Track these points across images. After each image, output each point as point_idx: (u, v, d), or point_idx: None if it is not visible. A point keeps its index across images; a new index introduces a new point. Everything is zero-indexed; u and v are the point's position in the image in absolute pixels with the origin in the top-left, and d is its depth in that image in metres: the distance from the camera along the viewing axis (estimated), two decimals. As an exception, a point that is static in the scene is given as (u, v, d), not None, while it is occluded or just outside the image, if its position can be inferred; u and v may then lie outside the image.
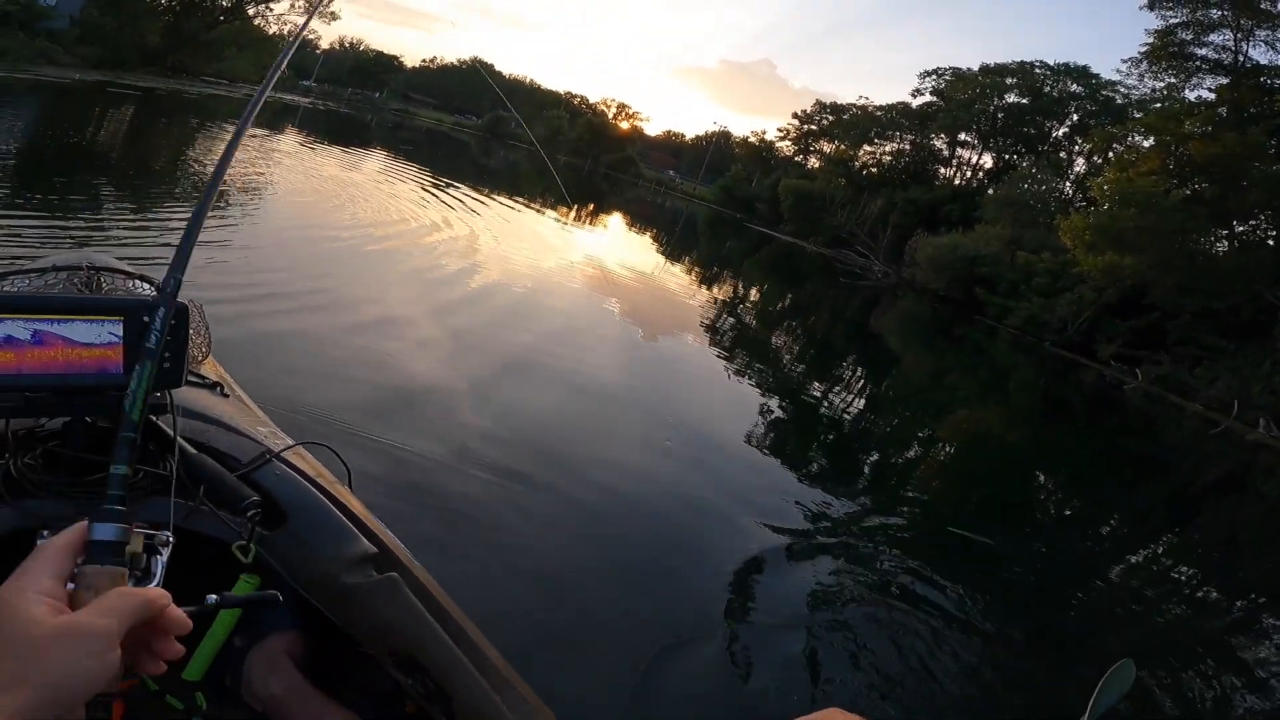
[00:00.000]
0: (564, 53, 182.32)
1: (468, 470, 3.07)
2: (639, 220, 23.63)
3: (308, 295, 4.82)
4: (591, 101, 74.80)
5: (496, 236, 9.87)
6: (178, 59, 34.94)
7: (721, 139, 63.20)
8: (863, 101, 42.64)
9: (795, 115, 47.59)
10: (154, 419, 1.06)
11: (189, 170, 9.85)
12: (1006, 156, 36.57)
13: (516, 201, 16.16)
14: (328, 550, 1.04)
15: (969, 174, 38.27)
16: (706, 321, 8.87)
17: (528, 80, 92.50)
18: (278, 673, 1.03)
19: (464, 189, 15.66)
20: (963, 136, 37.80)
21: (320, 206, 8.78)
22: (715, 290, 12.41)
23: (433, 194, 13.42)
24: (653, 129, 77.75)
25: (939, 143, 38.88)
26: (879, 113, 40.73)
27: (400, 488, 2.75)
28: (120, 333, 0.92)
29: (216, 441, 1.16)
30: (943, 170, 39.00)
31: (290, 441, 1.25)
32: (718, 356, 7.21)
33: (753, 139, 51.91)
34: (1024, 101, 35.69)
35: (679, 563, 2.89)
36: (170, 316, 0.90)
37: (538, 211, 15.59)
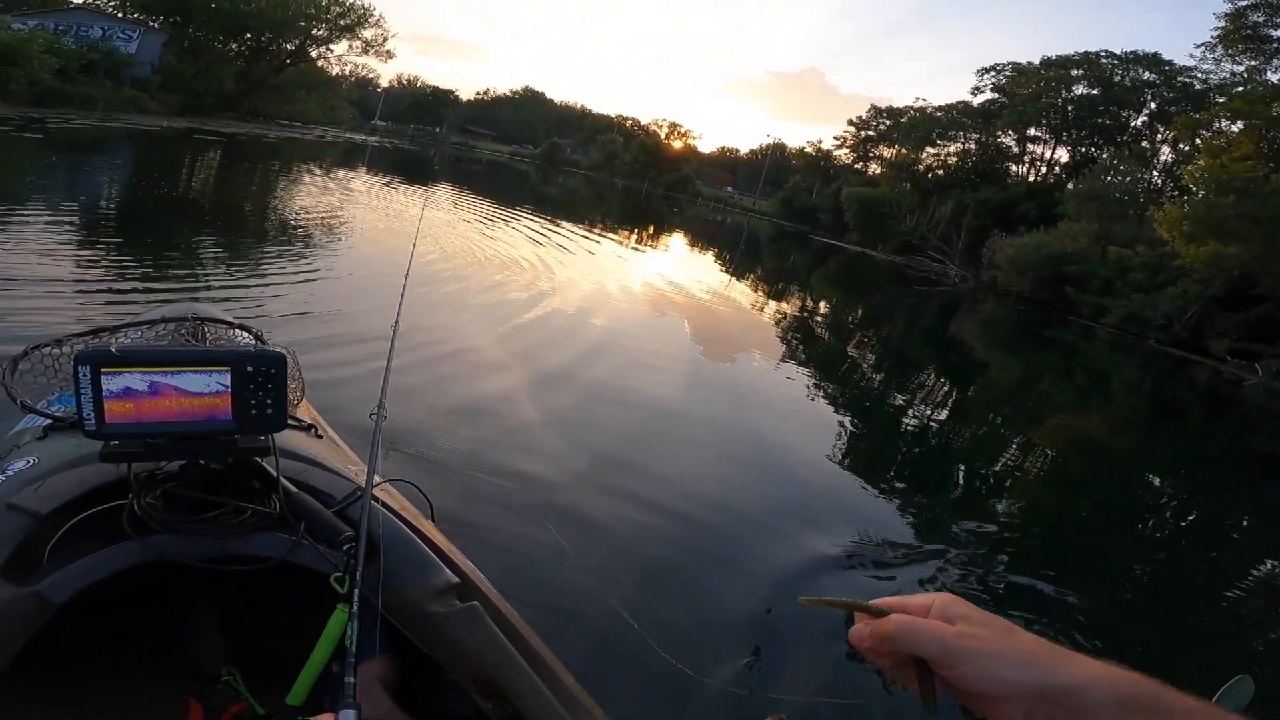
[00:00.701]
0: (610, 73, 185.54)
1: (542, 499, 3.14)
2: (700, 239, 23.68)
3: (381, 333, 5.04)
4: (643, 123, 75.86)
5: (559, 263, 10.09)
6: (253, 103, 37.47)
7: (776, 151, 62.95)
8: (920, 103, 41.75)
9: (851, 122, 47.01)
10: (259, 460, 1.15)
11: (277, 216, 10.56)
12: (1083, 150, 35.10)
13: (577, 227, 16.52)
14: (414, 581, 1.10)
15: (1043, 170, 36.85)
16: (776, 337, 8.83)
17: (579, 106, 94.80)
18: (370, 698, 1.07)
19: (525, 217, 16.14)
20: (1032, 132, 36.49)
21: (389, 243, 9.21)
22: (783, 305, 12.30)
23: (496, 224, 13.89)
24: (706, 146, 78.39)
25: (1007, 140, 37.63)
26: (939, 113, 39.81)
27: (478, 519, 2.82)
28: (227, 382, 1.01)
29: (314, 480, 1.24)
30: (1014, 168, 37.66)
31: (380, 479, 1.31)
32: (790, 372, 7.14)
33: (809, 149, 51.51)
34: (1094, 93, 34.27)
35: (759, 589, 2.85)
36: (270, 366, 1.01)
37: (598, 236, 15.87)
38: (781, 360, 7.59)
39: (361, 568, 1.03)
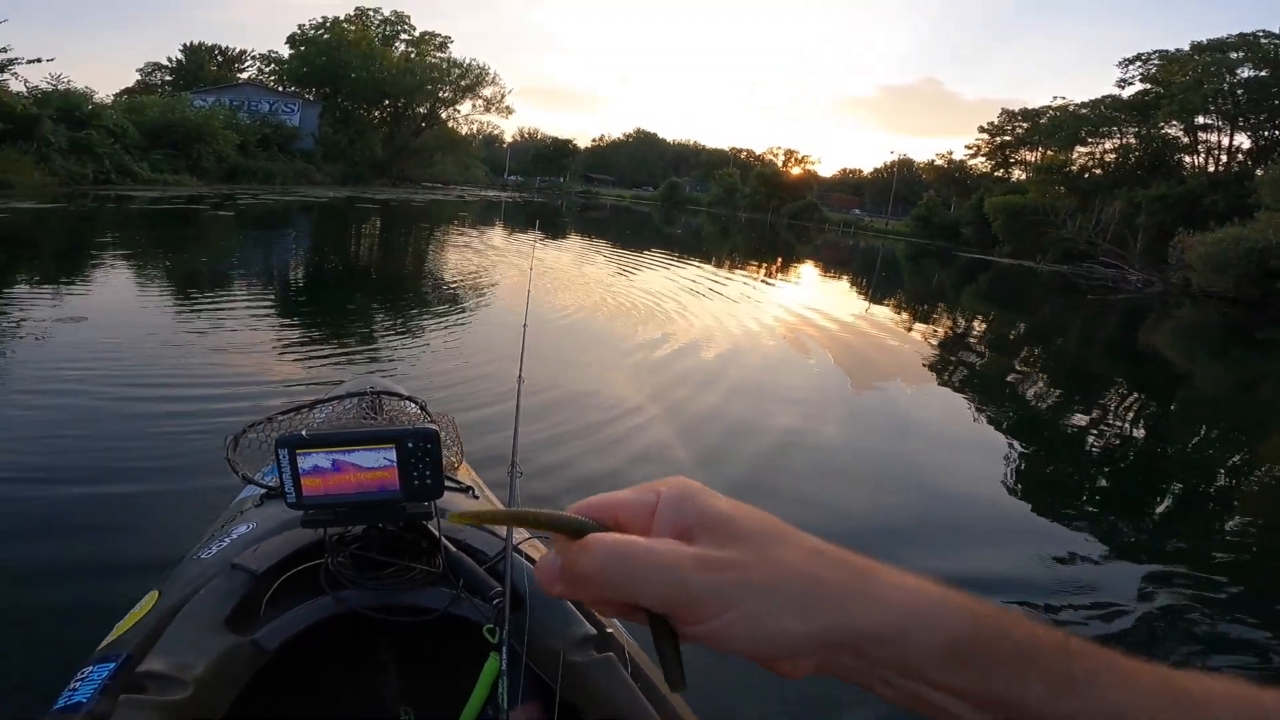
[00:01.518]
0: (719, 106, 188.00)
1: None
2: (832, 265, 23.17)
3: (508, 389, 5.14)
4: (758, 153, 76.10)
5: (689, 302, 10.12)
6: (399, 167, 41.47)
7: (903, 167, 60.96)
8: (1058, 101, 39.05)
9: (982, 129, 44.68)
10: (425, 524, 1.31)
11: (431, 277, 11.48)
12: (1265, 134, 31.38)
13: (705, 265, 16.71)
14: (556, 631, 1.20)
15: (1223, 159, 33.13)
16: (928, 362, 8.27)
17: (692, 143, 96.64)
18: None
19: (653, 259, 16.57)
20: (1201, 120, 33.05)
21: (523, 296, 9.59)
22: (932, 327, 11.65)
23: (626, 268, 14.31)
24: (826, 170, 76.92)
25: (1173, 130, 34.26)
26: (1083, 110, 37.04)
27: None
28: (394, 457, 1.18)
29: (470, 539, 1.38)
30: (1187, 159, 34.18)
31: (526, 535, 1.43)
32: (946, 397, 6.74)
33: (939, 161, 49.45)
34: (1262, 74, 30.64)
35: None
36: (427, 441, 1.18)
37: (727, 273, 15.91)
38: (936, 385, 7.16)
39: (508, 620, 1.16)
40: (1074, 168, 35.59)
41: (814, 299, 12.75)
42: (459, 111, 48.40)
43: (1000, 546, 3.53)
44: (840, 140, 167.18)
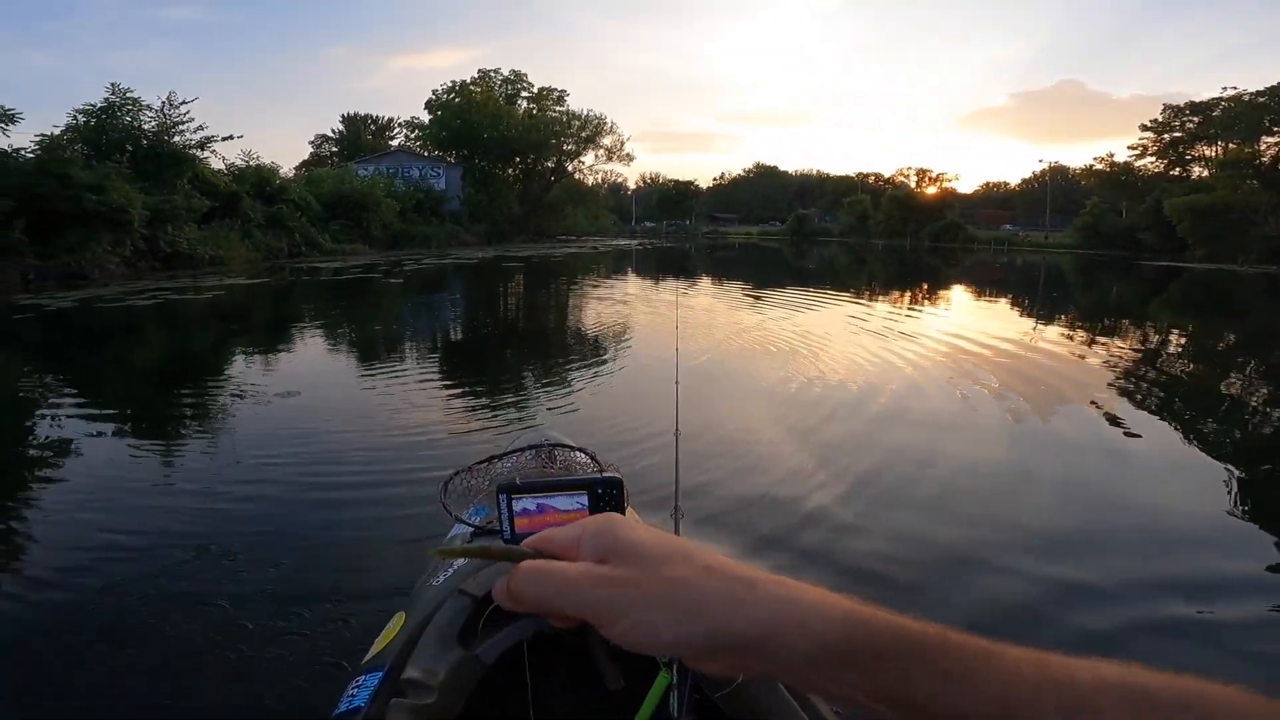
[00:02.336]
0: (840, 132, 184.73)
1: (842, 574, 3.20)
2: (986, 286, 22.01)
3: (664, 431, 5.22)
4: (887, 176, 73.93)
5: (831, 336, 9.97)
6: (536, 223, 43.98)
7: (1056, 176, 57.22)
8: (1230, 91, 35.51)
9: (1144, 127, 41.33)
10: None
11: (575, 329, 12.13)
12: None
13: (843, 297, 16.42)
14: None
15: None
16: (1115, 383, 7.58)
17: (815, 172, 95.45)
18: None
19: (789, 295, 16.48)
20: None
21: (665, 343, 9.42)
22: (1116, 344, 10.67)
23: (762, 306, 14.41)
24: (965, 186, 73.54)
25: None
26: (1261, 99, 33.51)
27: None
28: (585, 502, 1.31)
29: None
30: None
31: None
32: (1141, 419, 6.17)
33: (1099, 165, 46.08)
34: None
35: None
36: (613, 488, 1.30)
37: (868, 303, 15.56)
38: (1129, 406, 6.59)
39: None
40: (1265, 160, 32.16)
41: (969, 324, 12.08)
42: (583, 163, 50.66)
43: (1230, 583, 3.25)
44: (975, 154, 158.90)
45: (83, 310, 11.86)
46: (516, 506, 1.31)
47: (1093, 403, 6.64)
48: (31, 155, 16.25)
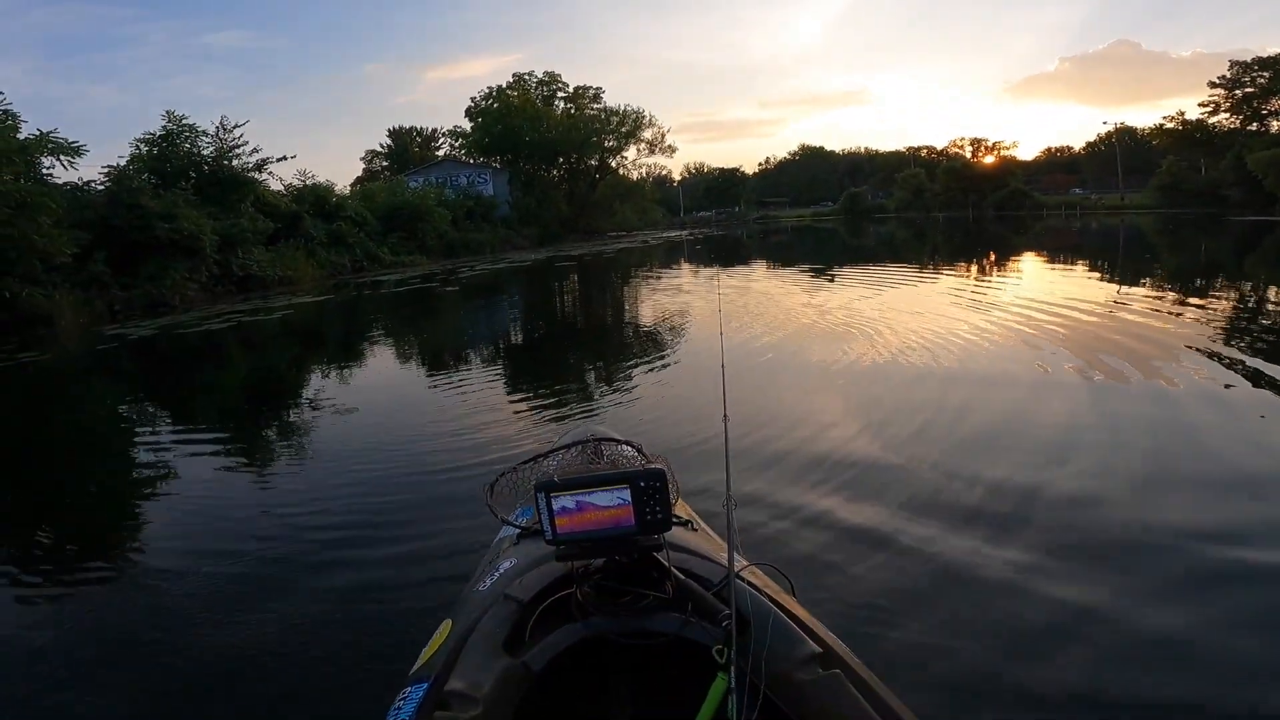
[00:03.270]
0: (885, 108, 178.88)
1: (903, 564, 3.06)
2: (1059, 252, 21.00)
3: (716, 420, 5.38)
4: (940, 148, 71.76)
5: (893, 314, 9.71)
6: (585, 222, 44.29)
7: (1124, 137, 54.59)
8: None
9: (1213, 84, 39.20)
10: (655, 555, 1.44)
11: (630, 323, 12.12)
12: None
13: (905, 272, 16.02)
14: (781, 652, 1.25)
15: None
16: (1206, 344, 7.00)
17: (863, 149, 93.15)
18: None
19: (846, 275, 16.14)
20: None
21: (714, 331, 9.60)
22: (1208, 303, 10.03)
23: (818, 288, 14.13)
24: (1025, 153, 70.53)
25: None
26: None
27: (838, 592, 2.85)
28: (628, 496, 1.34)
29: (695, 567, 1.49)
30: None
31: (745, 563, 1.52)
32: (1236, 380, 5.65)
33: (1169, 124, 43.76)
34: None
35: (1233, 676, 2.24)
36: (656, 480, 1.34)
37: (932, 277, 15.10)
38: (1220, 369, 6.06)
39: (735, 641, 1.23)
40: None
41: (1042, 292, 11.53)
42: (626, 158, 50.80)
43: None
44: (1032, 122, 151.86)
45: (163, 337, 12.45)
46: (556, 505, 1.33)
47: (1178, 363, 6.12)
48: (102, 187, 16.87)
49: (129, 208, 15.86)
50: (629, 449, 1.90)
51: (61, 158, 15.12)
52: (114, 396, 8.65)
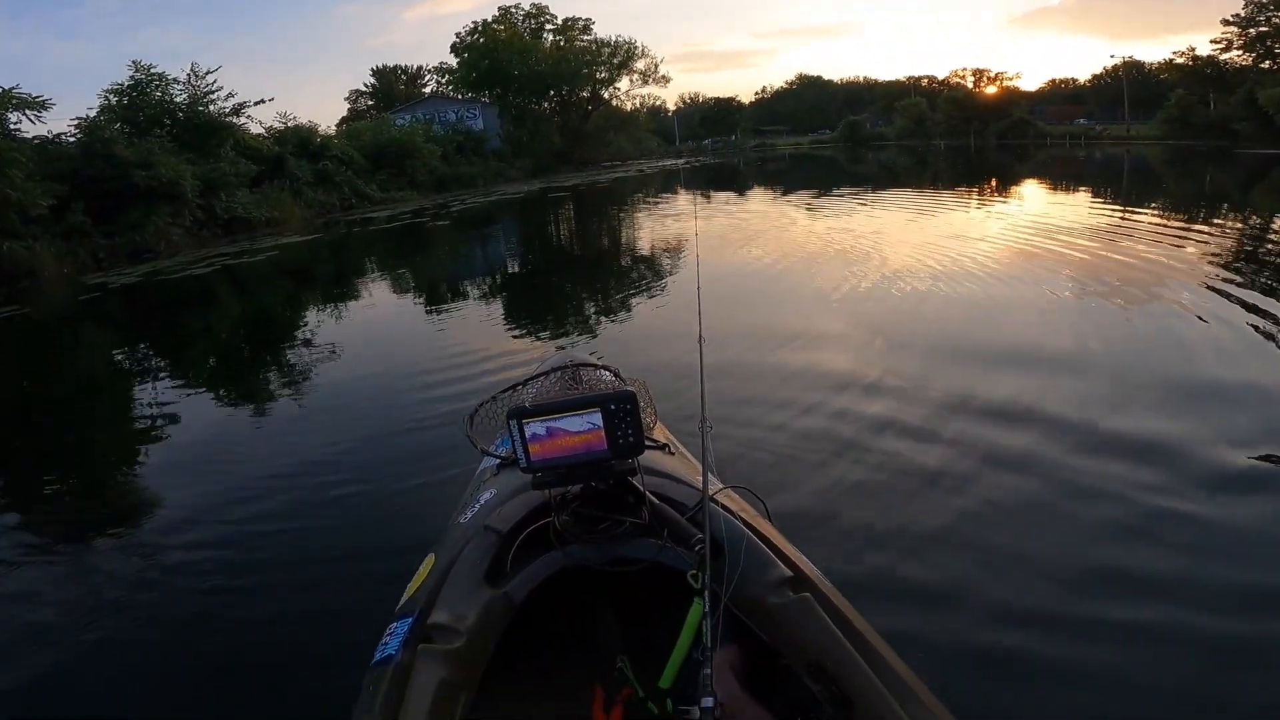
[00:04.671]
0: (883, 37, 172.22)
1: (879, 493, 3.05)
2: (1061, 179, 20.63)
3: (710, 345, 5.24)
4: (941, 78, 69.83)
5: (889, 237, 9.70)
6: (579, 153, 43.46)
7: (1131, 70, 53.18)
8: None
9: (1227, 21, 38.02)
10: (630, 480, 1.42)
11: (627, 250, 12.06)
12: None
13: (903, 196, 15.89)
14: (754, 575, 1.26)
15: None
16: (1206, 272, 6.81)
17: (862, 79, 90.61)
18: (722, 682, 1.21)
19: (844, 199, 16.02)
20: None
21: (725, 251, 9.75)
22: (1210, 230, 9.76)
23: (817, 212, 14.05)
24: (1029, 85, 68.46)
25: None
26: None
27: (810, 517, 2.84)
28: (599, 420, 1.31)
29: (670, 492, 1.48)
30: None
31: (720, 485, 1.53)
32: (1230, 310, 5.49)
33: (1179, 60, 42.56)
34: None
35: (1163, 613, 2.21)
36: (626, 403, 1.30)
37: (930, 201, 14.90)
38: (1220, 294, 5.90)
39: (709, 566, 1.23)
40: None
41: (1042, 217, 11.37)
42: (619, 89, 49.54)
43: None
44: (1036, 54, 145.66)
45: (147, 284, 12.23)
46: (528, 432, 1.31)
47: (1175, 288, 6.00)
48: (73, 139, 16.58)
49: (103, 158, 15.60)
50: (607, 374, 1.90)
51: (27, 112, 15.06)
52: (97, 346, 8.54)
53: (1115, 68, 55.38)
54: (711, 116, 75.06)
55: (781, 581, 1.26)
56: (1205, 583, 2.31)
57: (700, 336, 2.08)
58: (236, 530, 3.17)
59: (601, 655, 1.56)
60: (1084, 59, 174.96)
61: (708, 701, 1.06)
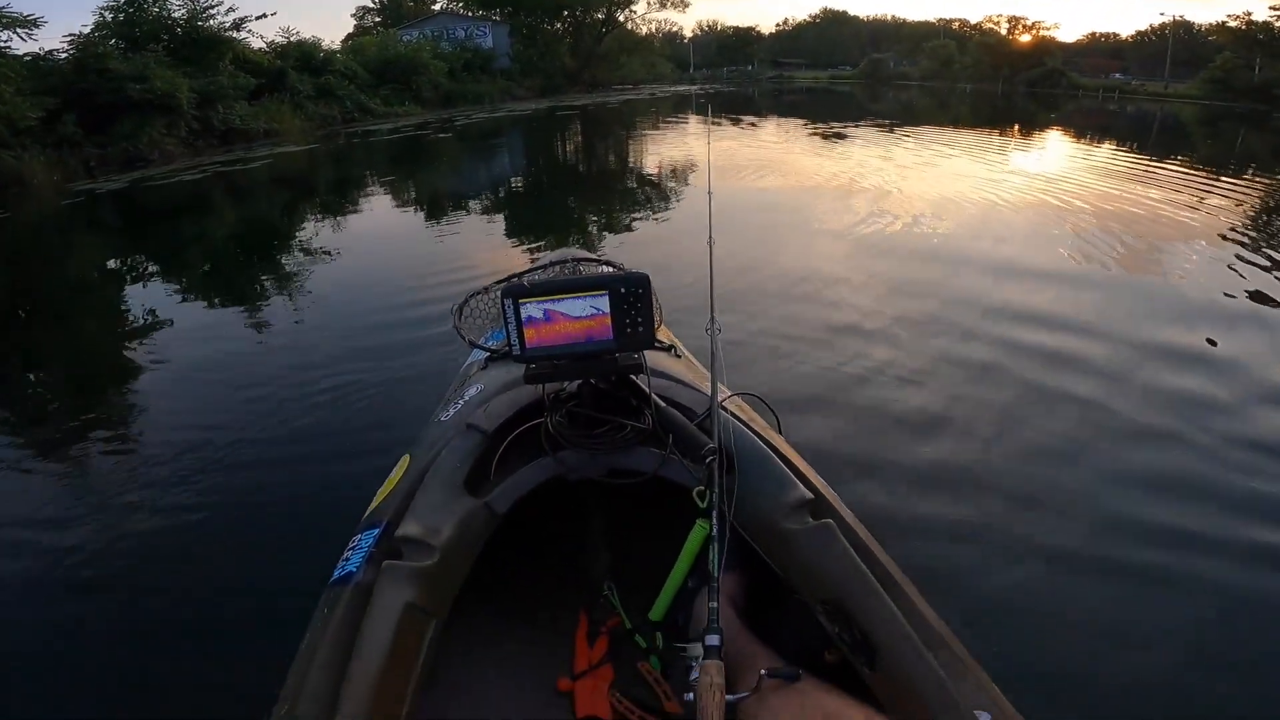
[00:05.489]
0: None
1: (895, 414, 2.97)
2: (1087, 131, 19.92)
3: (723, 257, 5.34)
4: (974, 22, 67.38)
5: (904, 173, 9.59)
6: (590, 74, 42.32)
7: (1181, 29, 51.22)
8: None
9: None
10: (633, 378, 1.26)
11: (632, 166, 11.95)
12: None
13: (919, 135, 15.60)
14: (769, 496, 1.10)
15: None
16: (1229, 228, 6.68)
17: (890, 17, 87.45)
18: (720, 616, 1.07)
19: (856, 134, 15.74)
20: None
21: (734, 175, 9.65)
22: (1235, 189, 9.48)
23: (829, 144, 13.91)
24: (1067, 36, 66.06)
25: None
26: None
27: (823, 432, 2.74)
28: (605, 305, 1.13)
29: (677, 396, 1.32)
30: None
31: (729, 392, 1.36)
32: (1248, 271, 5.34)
33: (1232, 23, 40.79)
34: None
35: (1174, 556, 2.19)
36: (638, 287, 1.12)
37: (947, 142, 14.55)
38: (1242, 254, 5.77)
39: (720, 482, 1.09)
40: None
41: (1059, 166, 11.32)
42: (634, 12, 48.01)
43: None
44: (1076, 4, 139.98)
45: (133, 189, 11.87)
46: (524, 314, 1.13)
47: (1195, 246, 5.85)
48: (66, 56, 16.16)
49: (97, 72, 15.25)
50: (609, 269, 1.77)
51: (18, 30, 14.72)
52: (78, 249, 8.30)
53: (1162, 25, 53.58)
54: (729, 45, 73.03)
55: (800, 505, 1.09)
56: (1241, 532, 2.28)
57: (710, 238, 1.93)
58: (199, 430, 3.08)
59: (588, 580, 1.46)
60: (1129, 13, 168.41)
61: (713, 639, 0.92)
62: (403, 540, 1.06)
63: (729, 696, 0.90)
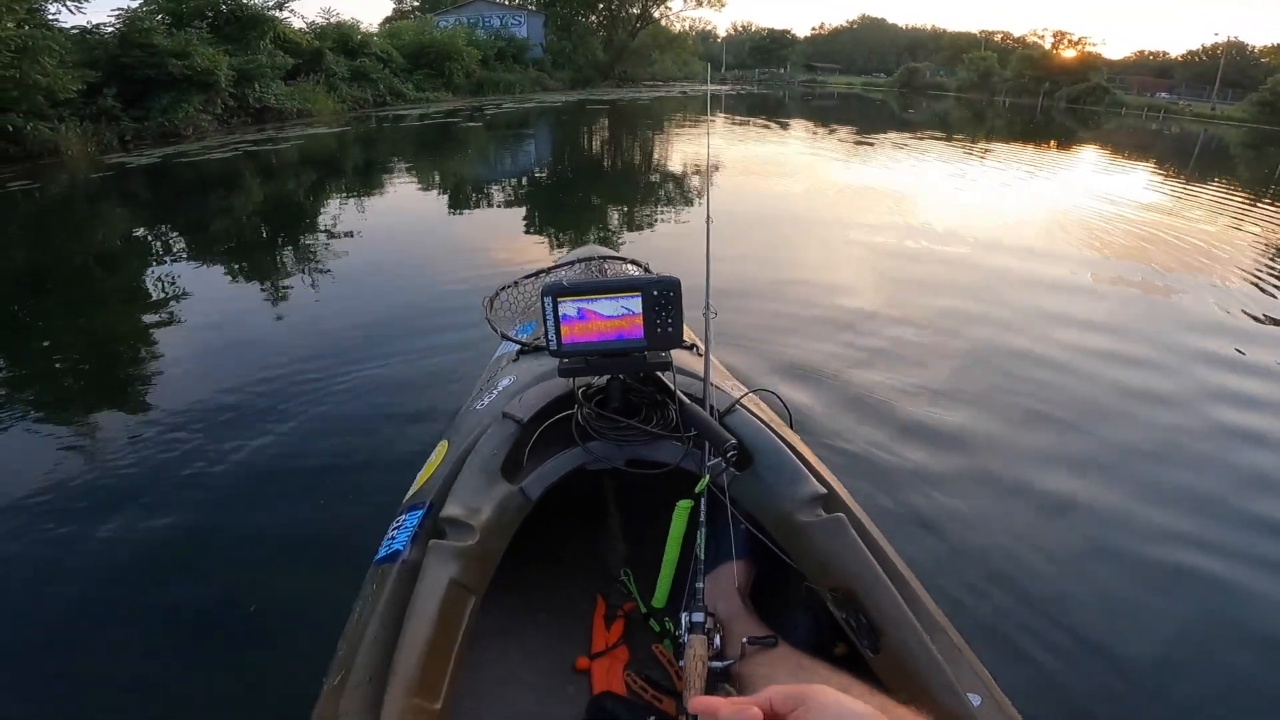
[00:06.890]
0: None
1: (906, 418, 3.00)
2: (1127, 149, 19.65)
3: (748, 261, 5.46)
4: (1017, 35, 66.67)
5: (926, 182, 9.68)
6: (621, 69, 42.39)
7: (1234, 50, 50.37)
8: None
9: None
10: (660, 375, 1.33)
11: (658, 163, 12.00)
12: None
13: (951, 146, 15.66)
14: (784, 489, 1.17)
15: None
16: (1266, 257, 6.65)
17: (930, 27, 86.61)
18: (725, 598, 1.20)
19: (887, 144, 15.64)
20: None
21: (755, 179, 9.81)
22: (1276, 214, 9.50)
23: (856, 152, 13.91)
24: (1114, 53, 65.08)
25: None
26: None
27: (834, 430, 2.79)
28: (638, 306, 1.20)
29: (699, 392, 1.38)
30: None
31: (745, 389, 1.45)
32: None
33: None
34: None
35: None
36: (670, 290, 1.19)
37: (979, 154, 14.56)
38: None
39: (736, 474, 1.17)
40: None
41: (1091, 182, 11.25)
42: (669, 9, 47.99)
43: None
44: (1124, 20, 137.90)
45: (164, 165, 12.04)
46: (561, 312, 1.20)
47: (1226, 277, 5.80)
48: (111, 30, 16.39)
49: (140, 47, 15.51)
50: (633, 268, 1.82)
51: (67, 4, 14.80)
52: (105, 221, 8.42)
53: (1214, 46, 52.73)
54: (762, 47, 72.80)
55: (814, 499, 1.16)
56: (1242, 532, 2.33)
57: (708, 218, 1.96)
58: (238, 413, 3.12)
59: (606, 566, 1.54)
60: (1179, 33, 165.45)
61: (697, 616, 1.02)
62: (446, 521, 1.13)
63: (718, 663, 1.05)
